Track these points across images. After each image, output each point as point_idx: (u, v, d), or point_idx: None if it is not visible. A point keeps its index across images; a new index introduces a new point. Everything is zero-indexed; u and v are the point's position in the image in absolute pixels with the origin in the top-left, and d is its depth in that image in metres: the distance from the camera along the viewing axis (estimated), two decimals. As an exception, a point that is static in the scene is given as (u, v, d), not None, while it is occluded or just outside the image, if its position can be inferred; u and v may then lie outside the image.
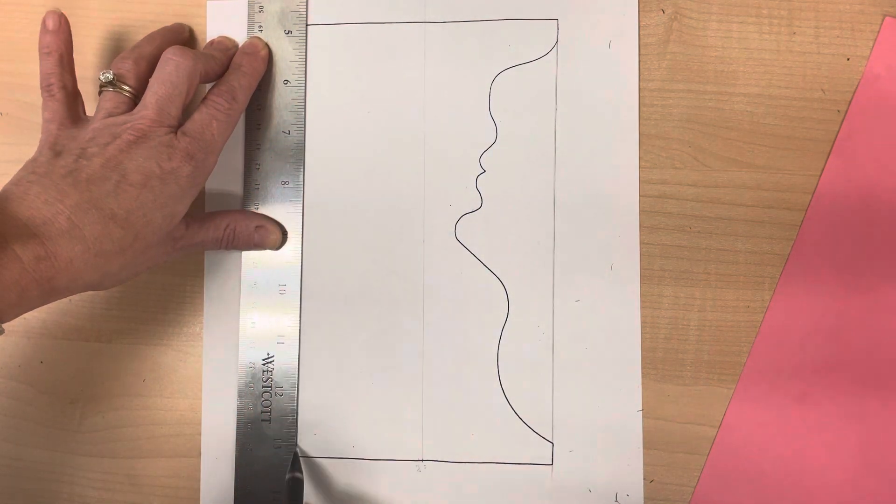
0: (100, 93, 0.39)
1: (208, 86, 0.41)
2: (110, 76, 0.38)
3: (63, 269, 0.33)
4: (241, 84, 0.40)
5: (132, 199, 0.35)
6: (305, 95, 0.42)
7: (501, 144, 0.42)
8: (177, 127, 0.37)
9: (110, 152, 0.35)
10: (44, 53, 0.39)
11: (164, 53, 0.38)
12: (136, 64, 0.39)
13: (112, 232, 0.34)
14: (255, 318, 0.42)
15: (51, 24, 0.39)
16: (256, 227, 0.41)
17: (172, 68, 0.38)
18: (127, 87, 0.38)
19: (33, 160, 0.36)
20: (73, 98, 0.39)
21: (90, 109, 0.41)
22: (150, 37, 0.41)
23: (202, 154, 0.37)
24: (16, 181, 0.35)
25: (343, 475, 0.42)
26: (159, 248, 0.37)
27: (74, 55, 0.40)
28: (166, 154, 0.36)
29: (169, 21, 0.43)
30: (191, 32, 0.43)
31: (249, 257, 0.42)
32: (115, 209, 0.34)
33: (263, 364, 0.42)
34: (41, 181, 0.34)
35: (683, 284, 0.41)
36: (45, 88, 0.39)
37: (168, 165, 0.36)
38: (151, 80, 0.38)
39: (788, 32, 0.41)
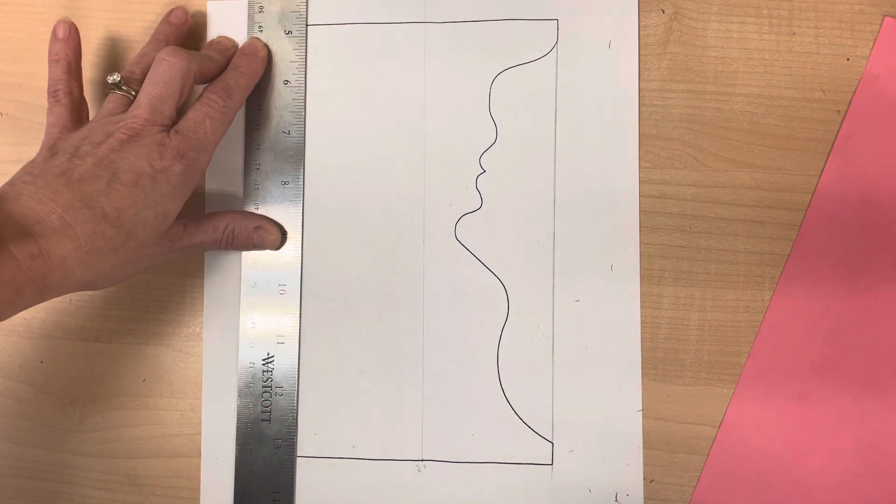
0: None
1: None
2: (117, 78, 0.39)
3: (56, 267, 0.33)
4: (238, 83, 0.40)
5: (123, 197, 0.35)
6: (305, 95, 0.42)
7: (501, 144, 0.42)
8: (170, 126, 0.37)
9: (103, 151, 0.36)
10: (53, 60, 0.40)
11: (158, 54, 0.38)
12: (143, 70, 0.39)
13: (104, 230, 0.34)
14: (254, 318, 0.42)
15: (61, 32, 0.40)
16: (255, 227, 0.41)
17: (166, 68, 0.38)
18: (134, 91, 0.39)
19: (31, 161, 0.37)
20: (78, 104, 0.40)
21: (94, 113, 0.41)
22: (157, 40, 0.41)
23: (194, 152, 0.37)
24: (11, 182, 0.35)
25: (343, 475, 0.42)
26: (155, 247, 0.37)
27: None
28: (157, 153, 0.36)
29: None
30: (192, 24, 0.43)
31: (249, 257, 0.42)
32: (106, 208, 0.35)
33: (263, 364, 0.42)
34: (35, 181, 0.35)
35: (683, 284, 0.41)
36: (52, 94, 0.39)
37: (159, 164, 0.36)
38: (145, 81, 0.38)
39: (788, 32, 0.41)
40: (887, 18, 0.40)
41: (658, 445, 0.40)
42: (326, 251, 0.42)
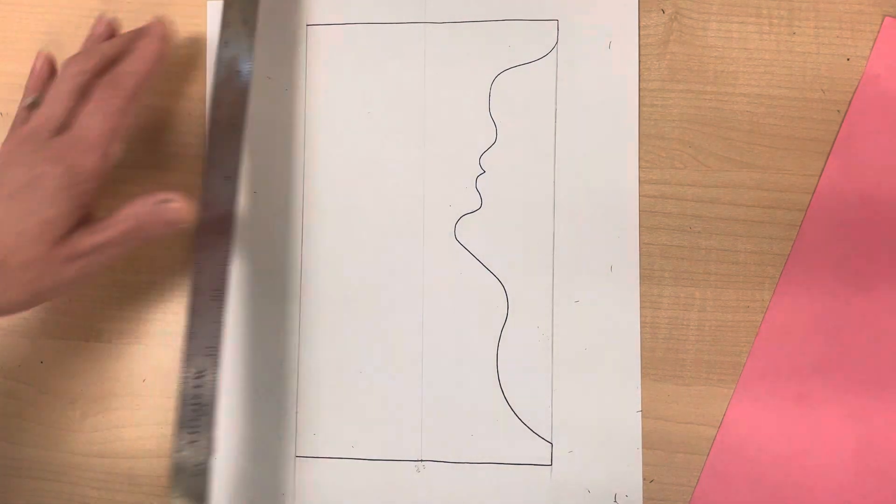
0: None
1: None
2: (30, 101, 0.38)
3: None
4: (127, 69, 0.38)
5: (1, 211, 0.34)
6: (305, 96, 0.42)
7: (501, 145, 0.42)
8: (63, 129, 0.36)
9: None
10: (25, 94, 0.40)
11: None
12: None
13: None
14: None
15: (37, 65, 0.41)
16: (159, 202, 0.36)
17: (60, 72, 0.37)
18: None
19: None
20: None
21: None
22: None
23: (76, 152, 0.35)
24: None
25: (342, 475, 0.42)
26: (51, 256, 0.35)
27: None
28: (34, 159, 0.35)
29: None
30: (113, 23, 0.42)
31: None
32: None
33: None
34: None
35: (683, 284, 0.41)
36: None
37: (38, 170, 0.35)
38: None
39: (788, 32, 0.41)
40: (887, 18, 0.40)
41: (658, 445, 0.40)
42: (326, 251, 0.42)
